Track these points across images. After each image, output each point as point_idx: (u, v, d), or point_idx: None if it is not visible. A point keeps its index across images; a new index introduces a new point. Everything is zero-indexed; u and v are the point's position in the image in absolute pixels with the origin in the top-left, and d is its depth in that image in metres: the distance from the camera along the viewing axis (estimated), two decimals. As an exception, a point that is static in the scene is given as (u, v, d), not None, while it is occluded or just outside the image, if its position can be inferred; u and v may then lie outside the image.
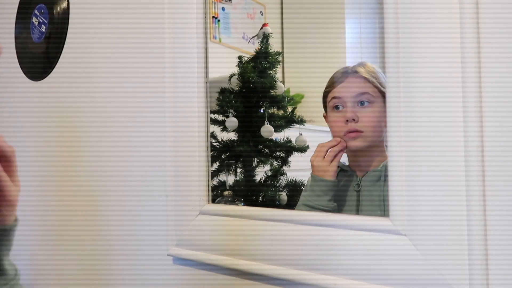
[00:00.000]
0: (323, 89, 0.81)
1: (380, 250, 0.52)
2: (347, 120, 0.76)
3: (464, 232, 0.46)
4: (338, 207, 0.78)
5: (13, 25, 1.17)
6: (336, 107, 0.78)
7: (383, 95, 0.76)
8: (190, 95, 0.72)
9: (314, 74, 0.97)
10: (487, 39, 0.46)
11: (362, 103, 0.76)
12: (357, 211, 0.75)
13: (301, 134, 0.88)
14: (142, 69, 0.84)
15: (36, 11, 1.11)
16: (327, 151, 0.76)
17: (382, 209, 0.71)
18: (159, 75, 0.79)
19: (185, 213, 0.72)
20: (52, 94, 1.06)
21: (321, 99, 0.82)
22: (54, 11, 1.06)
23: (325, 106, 0.82)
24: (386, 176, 0.73)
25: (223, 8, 1.02)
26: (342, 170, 0.79)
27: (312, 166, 0.77)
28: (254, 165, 0.88)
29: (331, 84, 0.81)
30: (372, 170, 0.76)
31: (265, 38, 0.89)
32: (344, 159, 0.80)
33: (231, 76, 0.88)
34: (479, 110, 0.46)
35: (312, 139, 0.87)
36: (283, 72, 0.97)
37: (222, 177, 0.88)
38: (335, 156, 0.75)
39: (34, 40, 1.11)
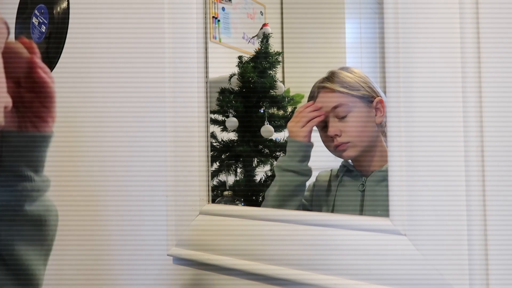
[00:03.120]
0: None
1: (380, 250, 0.52)
2: (331, 137, 0.77)
3: (464, 232, 0.46)
4: (342, 207, 0.79)
5: (13, 25, 1.17)
6: (322, 127, 0.80)
7: (363, 98, 0.77)
8: (190, 95, 0.72)
9: (314, 74, 0.96)
10: (487, 39, 0.46)
11: (341, 116, 0.77)
12: (361, 211, 0.76)
13: (301, 134, 0.88)
14: (142, 69, 0.84)
15: (36, 11, 1.11)
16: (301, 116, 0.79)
17: (386, 209, 0.71)
18: (159, 75, 0.79)
19: (185, 213, 0.72)
20: (52, 94, 1.05)
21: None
22: (54, 11, 1.06)
23: None
24: None
25: (223, 8, 1.02)
26: (348, 170, 0.80)
27: (288, 130, 0.81)
28: (254, 165, 0.88)
29: (310, 95, 0.82)
30: (377, 170, 0.77)
31: (265, 38, 0.89)
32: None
33: (231, 76, 0.88)
34: (479, 110, 0.46)
35: (312, 139, 0.87)
36: (283, 72, 0.97)
37: (222, 177, 0.88)
38: (309, 120, 0.78)
39: (34, 40, 1.11)
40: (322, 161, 0.84)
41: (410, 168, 0.50)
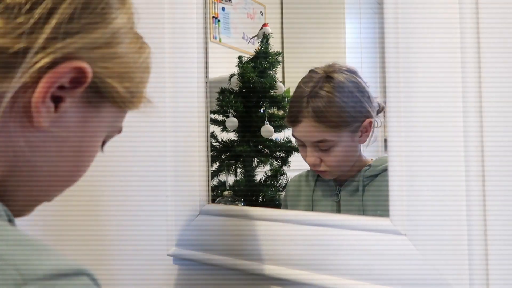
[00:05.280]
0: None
1: (380, 250, 0.52)
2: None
3: (464, 232, 0.46)
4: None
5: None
6: (302, 145, 0.75)
7: (350, 131, 0.70)
8: (190, 95, 0.72)
9: (314, 74, 0.96)
10: (487, 39, 0.46)
11: (322, 149, 0.71)
12: None
13: (301, 134, 0.88)
14: (142, 69, 0.84)
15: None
16: None
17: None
18: (159, 75, 0.79)
19: (185, 213, 0.72)
20: (52, 94, 1.05)
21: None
22: (54, 11, 1.05)
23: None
24: (364, 186, 0.71)
25: (223, 8, 1.02)
26: (320, 176, 0.77)
27: None
28: (254, 165, 0.88)
29: (289, 119, 0.75)
30: (349, 179, 0.74)
31: (265, 38, 0.89)
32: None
33: (231, 76, 0.88)
34: (479, 110, 0.46)
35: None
36: (283, 72, 0.97)
37: (222, 177, 0.88)
38: None
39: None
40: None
41: (410, 168, 0.50)
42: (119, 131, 0.46)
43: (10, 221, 0.34)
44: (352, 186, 0.73)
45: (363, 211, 0.71)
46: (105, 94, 0.37)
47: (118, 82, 0.37)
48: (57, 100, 0.34)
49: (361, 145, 0.75)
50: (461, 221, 0.46)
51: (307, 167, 0.88)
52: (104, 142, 0.46)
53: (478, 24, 0.46)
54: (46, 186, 0.39)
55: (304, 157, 0.75)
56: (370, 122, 0.71)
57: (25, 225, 1.10)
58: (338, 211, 0.75)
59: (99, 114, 0.39)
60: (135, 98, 0.41)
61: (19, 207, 0.37)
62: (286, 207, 0.84)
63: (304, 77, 0.75)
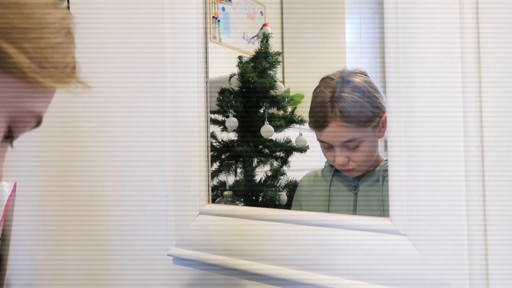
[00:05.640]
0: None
1: (380, 250, 0.52)
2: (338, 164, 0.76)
3: (464, 232, 0.46)
4: (334, 208, 0.79)
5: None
6: (327, 148, 0.78)
7: (374, 127, 0.75)
8: (190, 95, 0.72)
9: (314, 74, 0.97)
10: (487, 39, 0.46)
11: (351, 148, 0.76)
12: (354, 212, 0.76)
13: (301, 134, 0.88)
14: (142, 69, 0.84)
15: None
16: None
17: (382, 210, 0.71)
18: (159, 75, 0.79)
19: (185, 213, 0.72)
20: (52, 94, 1.05)
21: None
22: (54, 11, 1.05)
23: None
24: (384, 177, 0.74)
25: (223, 8, 1.03)
26: (337, 170, 0.79)
27: None
28: (254, 165, 0.88)
29: (315, 124, 0.79)
30: (369, 172, 0.77)
31: (265, 38, 0.89)
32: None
33: (231, 76, 0.88)
34: (479, 110, 0.46)
35: (312, 139, 0.87)
36: (283, 72, 0.97)
37: (222, 177, 0.88)
38: None
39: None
40: (316, 162, 0.84)
41: (410, 168, 0.50)
42: (37, 120, 0.35)
43: None
44: (372, 178, 0.76)
45: (383, 201, 0.72)
46: None
47: (4, 39, 0.29)
48: None
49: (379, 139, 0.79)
50: (461, 221, 0.46)
51: (308, 167, 0.88)
52: (11, 135, 0.35)
53: (478, 24, 0.46)
54: None
55: (331, 158, 0.78)
56: (386, 117, 0.76)
57: (25, 225, 1.11)
58: (355, 200, 0.77)
59: None
60: (48, 69, 0.32)
61: None
62: (299, 201, 0.85)
63: (320, 85, 0.80)
